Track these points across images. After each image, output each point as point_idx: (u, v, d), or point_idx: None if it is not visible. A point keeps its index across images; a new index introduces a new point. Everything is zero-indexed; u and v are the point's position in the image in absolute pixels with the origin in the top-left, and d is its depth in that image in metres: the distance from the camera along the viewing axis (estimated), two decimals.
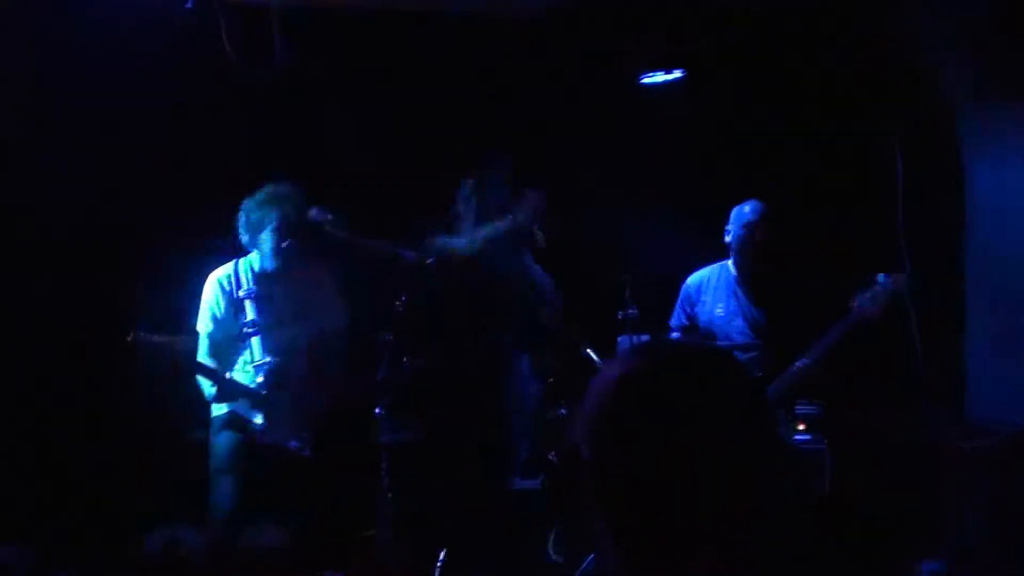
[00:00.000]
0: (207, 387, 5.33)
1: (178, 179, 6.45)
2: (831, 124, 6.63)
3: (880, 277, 5.60)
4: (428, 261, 5.67)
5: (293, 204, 5.37)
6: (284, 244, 5.35)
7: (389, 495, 5.71)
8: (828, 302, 5.75)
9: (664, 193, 7.08)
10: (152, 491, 6.31)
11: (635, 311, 6.04)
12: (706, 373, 1.48)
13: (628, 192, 7.04)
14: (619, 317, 6.06)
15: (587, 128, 7.07)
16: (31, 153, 6.10)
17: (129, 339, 4.95)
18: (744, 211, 5.86)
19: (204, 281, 5.50)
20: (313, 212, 5.47)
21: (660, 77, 6.71)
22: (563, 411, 6.44)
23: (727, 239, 5.90)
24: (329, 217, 5.48)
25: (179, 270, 5.83)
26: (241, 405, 5.37)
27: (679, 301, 6.08)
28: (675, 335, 6.03)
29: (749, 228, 5.82)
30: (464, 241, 5.86)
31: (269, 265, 5.43)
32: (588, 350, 6.37)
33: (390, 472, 5.73)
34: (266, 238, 5.37)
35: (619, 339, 6.30)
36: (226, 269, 5.48)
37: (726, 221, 6.02)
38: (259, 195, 5.39)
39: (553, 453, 6.53)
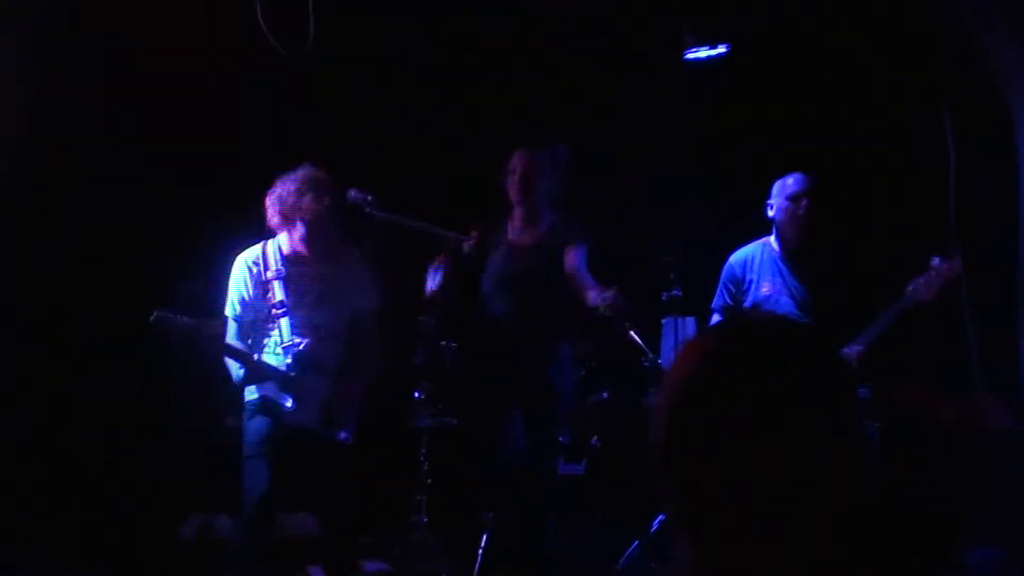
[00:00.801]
0: (235, 369, 5.23)
1: (206, 162, 6.45)
2: (879, 100, 6.43)
3: (934, 261, 5.42)
4: (468, 243, 5.59)
5: (325, 193, 5.25)
6: (316, 234, 5.27)
7: (428, 481, 5.63)
8: (876, 280, 5.64)
9: (708, 172, 6.91)
10: (185, 478, 6.26)
11: (679, 292, 5.92)
12: (793, 351, 1.41)
13: (671, 171, 6.88)
14: (663, 299, 5.96)
15: (630, 106, 6.91)
16: (55, 138, 6.08)
17: (152, 319, 4.90)
18: (787, 183, 5.65)
19: (230, 265, 5.42)
20: (351, 193, 5.39)
21: (704, 53, 6.52)
22: (604, 395, 6.45)
23: (770, 213, 5.71)
24: (368, 198, 5.39)
25: (205, 254, 5.80)
26: (271, 389, 5.26)
27: (722, 281, 5.85)
28: (716, 317, 5.83)
29: (793, 201, 5.62)
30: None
31: (298, 248, 5.34)
32: (632, 332, 6.27)
33: (429, 458, 5.66)
34: (299, 228, 5.28)
35: (663, 321, 6.28)
36: (253, 251, 5.34)
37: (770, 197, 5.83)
38: (291, 181, 5.28)
39: (595, 438, 6.55)
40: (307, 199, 5.18)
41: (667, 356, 6.28)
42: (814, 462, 1.33)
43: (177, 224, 6.36)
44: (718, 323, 1.70)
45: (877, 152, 6.46)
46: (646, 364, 6.23)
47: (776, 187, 5.65)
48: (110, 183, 6.25)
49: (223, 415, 5.75)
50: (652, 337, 6.39)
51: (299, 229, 5.23)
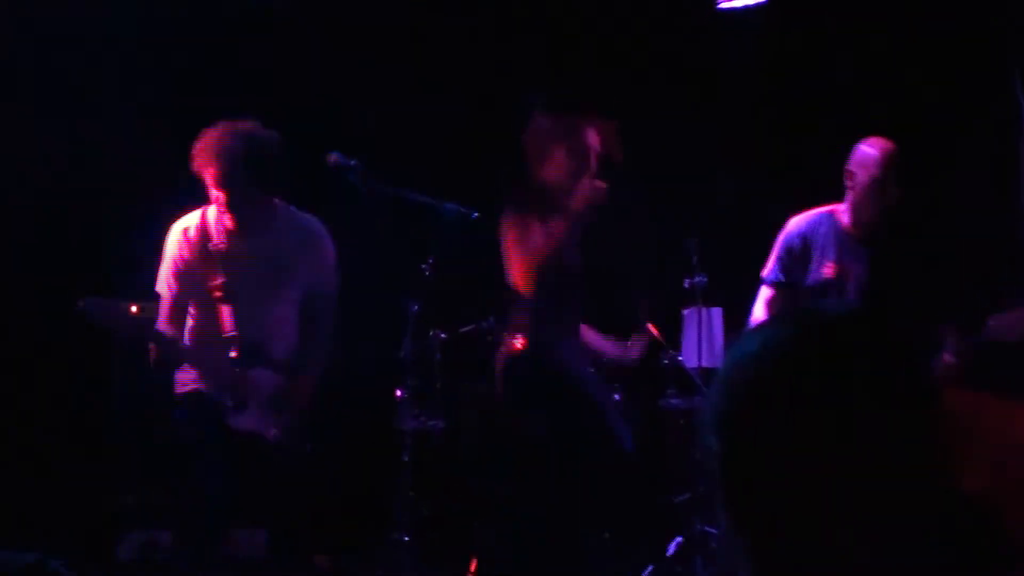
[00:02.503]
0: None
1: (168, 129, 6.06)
2: (945, 60, 6.03)
3: None
4: (473, 216, 5.23)
5: (234, 150, 4.66)
6: (219, 198, 4.70)
7: (411, 493, 5.33)
8: (956, 276, 5.24)
9: (742, 140, 6.50)
10: (123, 487, 5.96)
11: (703, 279, 5.69)
12: (866, 347, 1.31)
13: (699, 138, 6.47)
14: (685, 286, 5.73)
15: (653, 63, 6.57)
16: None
17: (80, 306, 4.51)
18: (869, 154, 5.14)
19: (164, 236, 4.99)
20: (332, 157, 5.03)
21: (739, 2, 6.11)
22: (616, 397, 6.01)
23: (847, 183, 5.22)
24: (352, 163, 5.00)
25: (141, 226, 5.34)
26: (208, 384, 4.80)
27: (778, 252, 5.33)
28: (767, 291, 5.37)
29: (872, 176, 5.11)
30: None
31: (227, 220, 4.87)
32: (648, 325, 6.07)
33: (413, 466, 5.35)
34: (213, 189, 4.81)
35: (685, 312, 6.05)
36: (192, 217, 4.81)
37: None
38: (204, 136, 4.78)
39: None
40: (211, 166, 4.66)
41: (689, 352, 5.99)
42: (895, 479, 1.28)
43: (111, 192, 6.07)
44: (784, 313, 1.87)
45: (943, 123, 6.10)
46: (665, 362, 5.98)
47: (856, 155, 5.18)
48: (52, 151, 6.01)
49: (166, 412, 5.32)
50: (672, 330, 6.12)
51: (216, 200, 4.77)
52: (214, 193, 4.65)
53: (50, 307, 5.76)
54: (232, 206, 4.67)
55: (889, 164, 5.07)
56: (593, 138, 5.18)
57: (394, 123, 6.40)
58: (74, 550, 5.60)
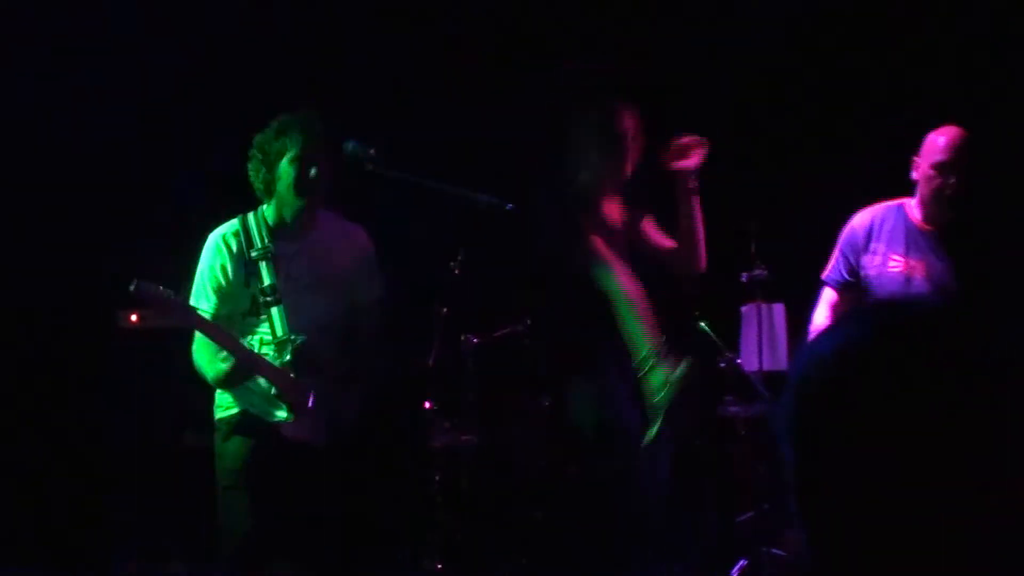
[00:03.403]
0: (215, 364, 4.63)
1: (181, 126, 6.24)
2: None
3: None
4: (508, 207, 4.98)
5: (316, 132, 4.70)
6: (311, 174, 4.64)
7: (443, 516, 5.34)
8: None
9: (801, 121, 6.33)
10: (128, 510, 5.91)
11: (764, 272, 5.53)
12: (956, 346, 1.24)
13: (753, 120, 6.29)
14: (743, 280, 5.58)
15: (692, 37, 6.38)
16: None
17: (132, 287, 4.39)
18: (938, 143, 4.92)
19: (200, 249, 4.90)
20: (349, 145, 4.81)
21: None
22: None
23: (914, 175, 5.03)
24: (371, 151, 4.79)
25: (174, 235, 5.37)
26: (257, 400, 4.68)
27: (840, 248, 5.17)
28: (829, 293, 5.19)
29: (939, 171, 4.90)
30: None
31: (288, 211, 4.72)
32: (702, 323, 5.73)
33: (443, 486, 5.34)
34: (286, 171, 4.67)
35: (743, 309, 5.87)
36: (231, 225, 4.73)
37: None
38: (274, 124, 4.73)
39: None
40: (297, 142, 4.63)
41: (749, 354, 5.74)
42: (988, 489, 1.20)
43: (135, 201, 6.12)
44: (859, 310, 1.54)
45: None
46: (722, 365, 5.76)
47: (926, 143, 4.96)
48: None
49: (176, 431, 5.50)
50: (730, 330, 5.89)
51: (288, 180, 4.65)
52: (301, 186, 4.60)
53: (49, 318, 5.87)
54: (317, 202, 4.65)
55: (956, 153, 4.86)
56: (628, 122, 4.90)
57: (415, 108, 6.31)
58: (71, 566, 5.74)
